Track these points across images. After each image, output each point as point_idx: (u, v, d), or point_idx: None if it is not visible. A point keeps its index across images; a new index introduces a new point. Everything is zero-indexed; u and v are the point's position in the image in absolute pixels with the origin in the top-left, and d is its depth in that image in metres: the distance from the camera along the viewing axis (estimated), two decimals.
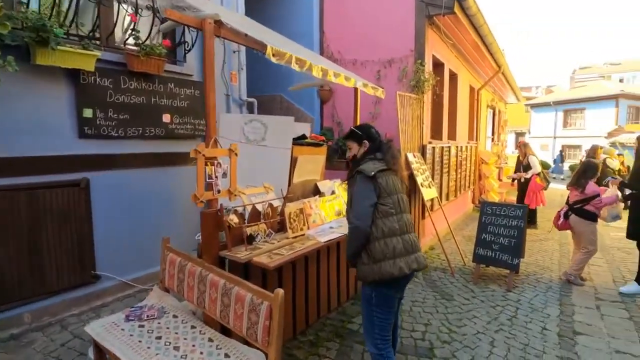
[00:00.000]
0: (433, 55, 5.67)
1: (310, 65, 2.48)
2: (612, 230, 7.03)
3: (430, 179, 5.21)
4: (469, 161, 8.53)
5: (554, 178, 16.78)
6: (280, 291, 1.72)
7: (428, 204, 5.61)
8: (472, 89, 8.74)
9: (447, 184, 6.79)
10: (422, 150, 5.39)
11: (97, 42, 3.34)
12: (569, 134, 24.61)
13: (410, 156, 4.92)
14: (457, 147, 7.26)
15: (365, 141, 2.15)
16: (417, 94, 5.18)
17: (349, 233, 2.05)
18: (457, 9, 4.94)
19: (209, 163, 2.21)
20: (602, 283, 4.54)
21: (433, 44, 5.58)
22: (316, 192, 3.36)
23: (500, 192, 9.67)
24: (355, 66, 5.77)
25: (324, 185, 3.43)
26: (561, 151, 22.01)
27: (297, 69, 2.40)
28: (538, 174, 6.96)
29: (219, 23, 2.23)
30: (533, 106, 27.61)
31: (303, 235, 2.80)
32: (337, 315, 3.42)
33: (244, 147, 3.21)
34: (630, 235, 4.35)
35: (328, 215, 3.20)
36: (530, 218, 6.82)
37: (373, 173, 1.99)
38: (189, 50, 4.01)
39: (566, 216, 4.55)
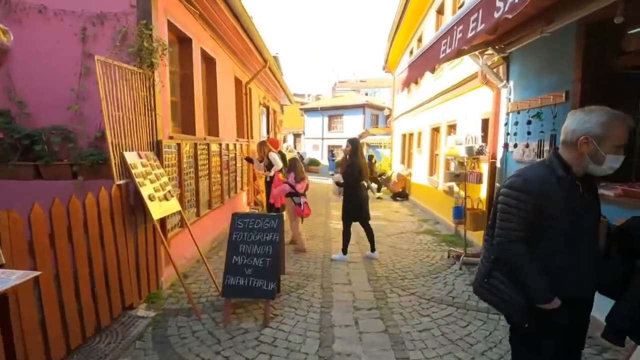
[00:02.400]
0: (171, 23, 4.26)
1: None
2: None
3: (169, 188, 3.80)
4: (241, 160, 7.68)
5: (332, 174, 17.84)
6: None
7: (173, 222, 4.21)
8: (238, 80, 7.89)
9: (209, 189, 5.59)
10: (157, 148, 3.92)
11: None
12: (332, 135, 28.84)
13: (131, 157, 3.36)
14: (220, 144, 6.17)
15: None
16: (143, 68, 3.66)
17: None
18: None
19: None
20: (359, 284, 4.35)
21: (168, 6, 4.18)
22: None
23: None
24: (45, 16, 3.70)
25: None
26: (331, 150, 25.28)
27: None
28: (280, 170, 6.52)
29: None
30: (306, 110, 30.87)
31: None
32: None
33: None
34: (342, 216, 5.33)
35: None
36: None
37: None
38: None
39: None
